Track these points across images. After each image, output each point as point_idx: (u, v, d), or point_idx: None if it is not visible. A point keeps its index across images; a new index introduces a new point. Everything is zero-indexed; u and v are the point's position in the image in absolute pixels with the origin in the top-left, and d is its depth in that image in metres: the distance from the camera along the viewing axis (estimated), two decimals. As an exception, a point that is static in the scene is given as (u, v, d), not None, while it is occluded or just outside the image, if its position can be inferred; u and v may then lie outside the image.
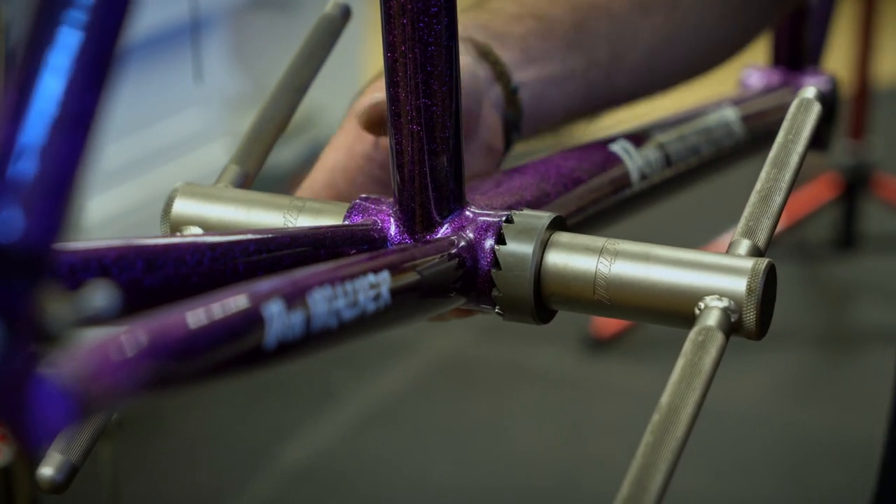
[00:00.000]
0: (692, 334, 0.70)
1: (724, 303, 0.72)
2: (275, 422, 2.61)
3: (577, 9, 0.91)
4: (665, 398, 0.66)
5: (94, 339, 0.51)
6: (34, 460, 0.72)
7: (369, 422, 2.63)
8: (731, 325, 0.71)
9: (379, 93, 0.81)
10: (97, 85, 0.49)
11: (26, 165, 0.47)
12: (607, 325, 2.80)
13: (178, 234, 0.80)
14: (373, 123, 0.84)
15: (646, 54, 0.94)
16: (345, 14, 0.93)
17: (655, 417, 0.65)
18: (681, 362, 0.68)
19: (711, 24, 0.98)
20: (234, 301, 0.58)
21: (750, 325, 0.72)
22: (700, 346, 0.69)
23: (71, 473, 0.73)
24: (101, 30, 0.49)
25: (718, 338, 0.70)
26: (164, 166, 2.69)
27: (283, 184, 2.92)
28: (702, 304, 0.72)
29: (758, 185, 0.76)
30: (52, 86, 0.48)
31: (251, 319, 0.58)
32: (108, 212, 2.54)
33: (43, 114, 0.48)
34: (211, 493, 2.42)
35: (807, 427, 2.57)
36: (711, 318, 0.71)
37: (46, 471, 0.72)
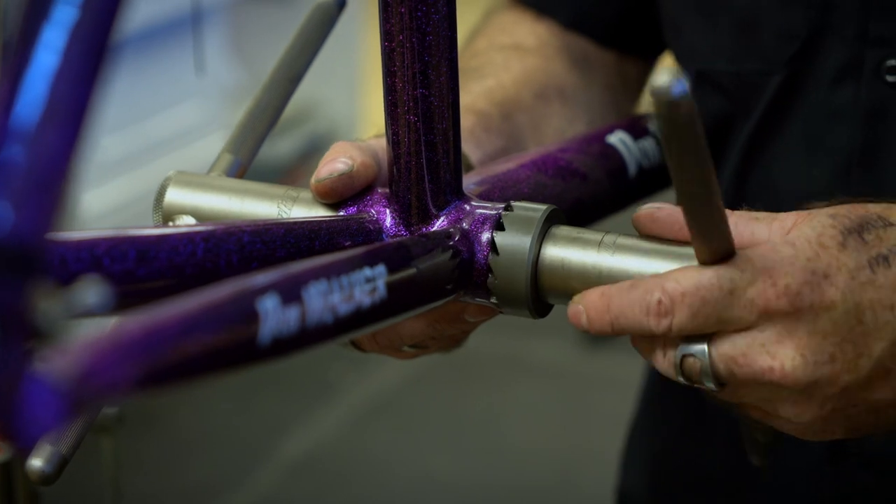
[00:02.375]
0: None
1: None
2: (274, 414, 2.61)
3: (499, 104, 0.95)
4: None
5: (86, 337, 0.50)
6: (25, 458, 0.70)
7: (368, 414, 2.63)
8: None
9: (341, 163, 0.78)
10: (90, 74, 0.47)
11: (15, 156, 0.45)
12: (606, 316, 2.79)
13: (171, 223, 0.79)
14: (327, 194, 0.79)
15: (558, 134, 0.98)
16: (340, 3, 0.92)
17: None
18: None
19: (599, 103, 1.03)
20: (227, 296, 0.57)
21: None
22: None
23: (61, 465, 0.70)
24: (93, 18, 0.48)
25: None
26: (161, 158, 2.68)
27: (282, 177, 2.91)
28: None
29: None
30: (42, 74, 0.46)
31: (245, 315, 0.57)
32: (104, 204, 2.53)
33: (32, 102, 0.46)
34: (211, 486, 2.42)
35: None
36: None
37: (36, 462, 0.70)
